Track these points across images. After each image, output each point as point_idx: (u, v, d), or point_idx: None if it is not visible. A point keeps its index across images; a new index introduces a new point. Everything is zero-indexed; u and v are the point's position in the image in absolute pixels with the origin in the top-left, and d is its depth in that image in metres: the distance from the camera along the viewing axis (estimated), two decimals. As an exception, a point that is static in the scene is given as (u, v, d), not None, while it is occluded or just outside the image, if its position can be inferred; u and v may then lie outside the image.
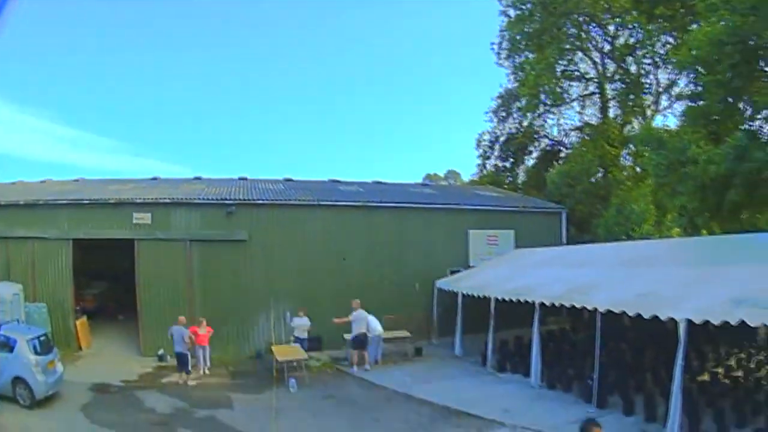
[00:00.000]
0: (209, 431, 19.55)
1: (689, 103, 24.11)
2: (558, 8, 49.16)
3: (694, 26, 24.72)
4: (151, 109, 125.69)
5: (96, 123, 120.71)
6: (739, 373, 22.85)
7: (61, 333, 28.83)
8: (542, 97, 53.26)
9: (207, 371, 26.90)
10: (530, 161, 62.46)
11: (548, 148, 60.67)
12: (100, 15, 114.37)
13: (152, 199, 32.09)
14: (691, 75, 23.31)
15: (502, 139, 61.01)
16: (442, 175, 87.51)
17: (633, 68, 52.24)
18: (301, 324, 28.83)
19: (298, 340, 28.70)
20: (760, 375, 22.09)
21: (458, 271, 35.27)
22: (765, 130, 21.02)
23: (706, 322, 16.16)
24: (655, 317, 17.56)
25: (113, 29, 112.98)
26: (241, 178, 41.81)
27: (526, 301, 24.38)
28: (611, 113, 54.75)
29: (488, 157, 62.83)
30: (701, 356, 25.15)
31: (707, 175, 18.92)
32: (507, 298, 25.69)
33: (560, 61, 53.19)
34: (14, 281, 28.29)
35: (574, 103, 57.65)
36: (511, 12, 54.53)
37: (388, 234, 35.49)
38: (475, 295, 28.61)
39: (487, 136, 61.91)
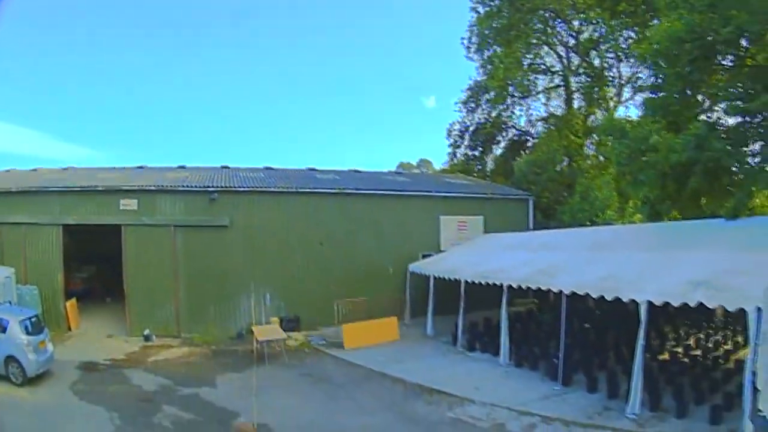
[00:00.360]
0: (193, 408, 19.57)
1: (649, 95, 24.22)
2: (525, 4, 49.36)
3: (655, 22, 24.80)
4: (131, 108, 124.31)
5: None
6: (698, 353, 23.08)
7: (51, 314, 28.92)
8: (510, 89, 53.66)
9: None
10: (498, 150, 62.63)
11: (515, 137, 60.77)
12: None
13: (138, 186, 31.97)
14: (652, 68, 23.42)
15: (471, 129, 61.02)
16: (414, 163, 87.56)
17: (596, 62, 52.57)
18: None
19: None
20: (718, 354, 22.28)
21: (430, 255, 35.43)
22: (722, 122, 21.19)
23: (666, 304, 16.27)
24: (618, 299, 17.70)
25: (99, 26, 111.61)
26: (223, 167, 41.63)
27: (495, 284, 24.54)
28: (576, 105, 55.09)
29: (458, 147, 62.92)
30: (661, 336, 25.36)
31: (668, 163, 19.02)
32: (476, 281, 25.88)
33: (527, 55, 53.60)
34: (7, 265, 28.33)
35: (540, 95, 57.98)
36: (481, 8, 54.68)
37: (363, 220, 35.61)
38: (446, 278, 28.71)
39: (457, 126, 61.97)
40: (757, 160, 19.61)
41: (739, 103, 18.93)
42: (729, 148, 18.69)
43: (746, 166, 19.35)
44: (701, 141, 18.45)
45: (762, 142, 20.61)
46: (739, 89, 19.16)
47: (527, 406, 18.14)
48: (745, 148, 20.08)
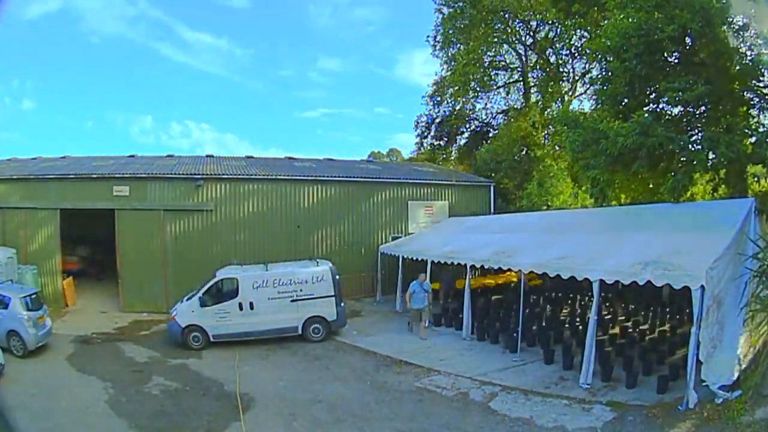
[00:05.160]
0: (180, 377, 19.62)
1: (600, 86, 24.26)
2: (486, 6, 49.34)
3: (606, 22, 24.80)
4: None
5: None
6: (646, 327, 23.11)
7: (49, 292, 29.10)
8: (472, 84, 53.80)
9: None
10: (462, 140, 62.76)
11: (477, 129, 60.92)
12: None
13: (130, 173, 32.24)
14: (603, 62, 23.47)
15: (437, 121, 61.00)
16: (384, 153, 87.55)
17: (552, 59, 52.99)
18: None
19: None
20: (664, 328, 22.31)
21: (399, 237, 35.51)
22: (668, 112, 21.30)
23: (617, 282, 16.23)
24: (572, 277, 17.67)
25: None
26: (207, 156, 41.61)
27: (459, 263, 24.56)
28: (533, 98, 55.35)
29: (425, 137, 62.91)
30: (613, 312, 25.38)
31: (616, 147, 19.05)
32: (442, 261, 25.83)
33: (488, 53, 53.78)
34: (8, 246, 28.68)
35: (501, 90, 58.41)
36: (445, 9, 54.83)
37: (337, 204, 35.69)
38: (414, 258, 28.61)
39: (424, 118, 61.72)
40: (698, 147, 19.70)
41: (679, 93, 19.00)
42: (672, 134, 18.76)
43: (687, 151, 19.43)
44: (646, 128, 18.52)
45: (702, 131, 20.75)
46: (681, 82, 19.22)
47: (488, 376, 18.11)
48: (687, 136, 20.20)
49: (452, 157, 62.22)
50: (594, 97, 26.99)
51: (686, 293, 14.19)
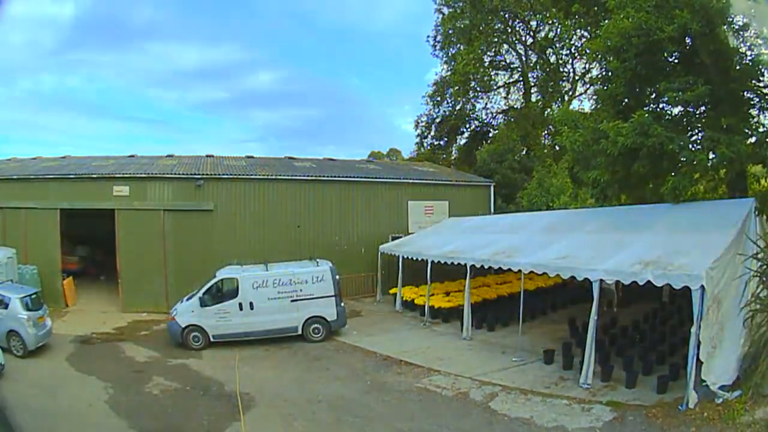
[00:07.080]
0: (180, 377, 19.61)
1: (600, 86, 24.25)
2: (486, 6, 49.43)
3: (606, 21, 24.77)
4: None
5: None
6: (646, 327, 23.05)
7: (49, 292, 28.82)
8: (472, 84, 53.86)
9: None
10: (462, 140, 63.07)
11: (478, 129, 61.06)
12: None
13: (130, 174, 32.19)
14: (603, 62, 23.43)
15: (437, 121, 61.13)
16: (384, 152, 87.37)
17: (552, 59, 53.14)
18: None
19: None
20: (664, 329, 22.26)
21: (399, 237, 35.35)
22: (668, 112, 21.26)
23: (617, 282, 16.26)
24: (573, 277, 17.70)
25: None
26: (208, 155, 41.42)
27: (459, 263, 24.51)
28: (533, 98, 55.64)
29: (425, 137, 63.04)
30: (613, 311, 25.33)
31: (616, 147, 19.02)
32: (442, 261, 25.84)
33: (488, 53, 53.96)
34: (9, 246, 28.74)
35: (501, 90, 58.71)
36: (445, 9, 55.23)
37: (337, 204, 35.69)
38: (414, 258, 28.72)
39: (424, 118, 61.91)
40: (698, 147, 19.67)
41: (679, 94, 18.97)
42: (672, 135, 18.73)
43: (687, 152, 19.39)
44: (645, 128, 18.48)
45: (702, 132, 20.72)
46: (681, 82, 19.19)
47: (488, 376, 18.11)
48: (687, 136, 20.17)
49: (452, 157, 62.21)
50: (594, 97, 26.98)
51: (686, 293, 14.20)
